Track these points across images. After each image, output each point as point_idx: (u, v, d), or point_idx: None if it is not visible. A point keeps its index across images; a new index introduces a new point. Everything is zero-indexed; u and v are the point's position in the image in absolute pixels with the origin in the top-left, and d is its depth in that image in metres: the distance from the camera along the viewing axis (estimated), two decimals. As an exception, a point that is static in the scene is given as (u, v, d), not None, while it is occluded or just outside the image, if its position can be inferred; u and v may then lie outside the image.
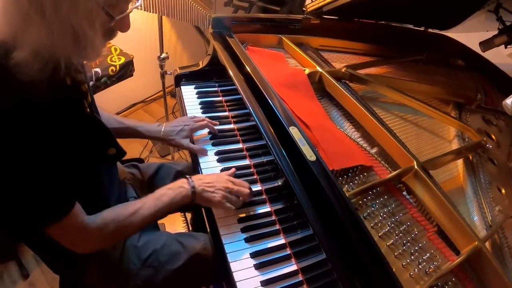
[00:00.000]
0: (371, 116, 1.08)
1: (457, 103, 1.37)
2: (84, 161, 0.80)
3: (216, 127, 1.19)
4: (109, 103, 2.34)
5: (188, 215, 1.62)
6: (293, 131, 0.92)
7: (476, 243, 0.85)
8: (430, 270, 0.83)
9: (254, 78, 1.09)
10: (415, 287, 0.79)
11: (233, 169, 1.02)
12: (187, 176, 0.94)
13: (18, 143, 0.64)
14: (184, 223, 1.60)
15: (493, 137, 1.27)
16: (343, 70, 1.27)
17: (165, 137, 1.15)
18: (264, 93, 1.03)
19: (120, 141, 0.95)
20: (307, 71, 1.23)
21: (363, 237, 0.76)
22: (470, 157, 1.16)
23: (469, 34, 1.64)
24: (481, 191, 1.08)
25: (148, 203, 0.87)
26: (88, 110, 0.83)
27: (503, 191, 1.12)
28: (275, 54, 1.34)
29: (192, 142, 1.16)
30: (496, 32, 1.39)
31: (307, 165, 0.85)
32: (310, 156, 0.86)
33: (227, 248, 0.89)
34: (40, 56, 0.61)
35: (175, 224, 1.70)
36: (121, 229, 0.83)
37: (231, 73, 1.15)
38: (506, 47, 1.34)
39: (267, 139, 0.96)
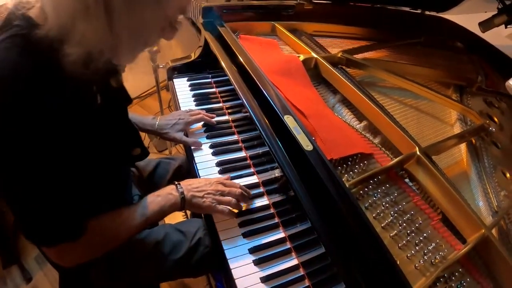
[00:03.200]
0: (370, 101, 1.04)
1: (458, 86, 1.33)
2: (109, 162, 0.79)
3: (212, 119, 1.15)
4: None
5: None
6: (288, 119, 0.88)
7: (483, 231, 0.82)
8: (436, 260, 0.79)
9: (246, 67, 1.05)
10: (421, 279, 0.76)
11: (226, 176, 0.99)
12: (176, 182, 0.90)
13: (48, 141, 0.63)
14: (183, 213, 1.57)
15: (496, 119, 1.24)
16: (339, 55, 1.22)
17: (159, 130, 1.12)
18: (257, 82, 0.99)
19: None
20: (301, 57, 1.18)
21: (365, 230, 0.72)
22: (473, 141, 1.13)
23: (467, 16, 1.60)
24: (486, 176, 1.04)
25: (138, 211, 0.84)
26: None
27: (508, 175, 1.09)
28: (268, 42, 1.29)
29: (187, 135, 1.13)
30: (494, 13, 1.35)
31: (303, 155, 0.81)
32: (306, 145, 0.82)
33: (225, 245, 0.86)
34: (94, 55, 0.59)
35: (175, 213, 1.67)
36: (109, 239, 0.81)
37: (222, 63, 1.11)
38: (506, 27, 1.29)
39: (261, 129, 0.92)
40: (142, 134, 2.42)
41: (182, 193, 0.87)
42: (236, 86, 1.03)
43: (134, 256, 0.96)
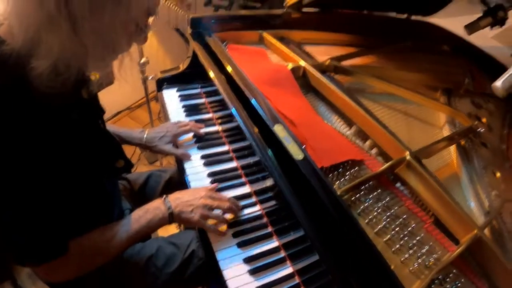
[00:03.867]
0: (359, 108, 1.04)
1: (446, 89, 1.35)
2: (92, 175, 0.78)
3: (200, 130, 1.15)
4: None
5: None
6: (278, 129, 0.88)
7: (476, 231, 0.83)
8: (430, 263, 0.80)
9: (234, 77, 1.05)
10: (416, 283, 0.76)
11: (214, 185, 0.99)
12: (164, 196, 0.89)
13: (28, 160, 0.62)
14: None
15: (484, 120, 1.25)
16: (327, 62, 1.23)
17: (148, 143, 1.12)
18: (246, 92, 1.00)
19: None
20: (290, 66, 1.19)
21: (358, 236, 0.73)
22: (462, 142, 1.14)
23: (453, 19, 1.62)
24: (476, 177, 1.05)
25: (124, 227, 0.83)
26: (102, 125, 0.83)
27: (498, 174, 1.10)
28: (257, 51, 1.30)
29: (177, 147, 1.12)
30: (479, 15, 1.37)
31: (294, 164, 0.81)
32: (297, 154, 0.82)
33: (219, 256, 0.85)
34: (62, 66, 0.59)
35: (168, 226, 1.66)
36: (98, 255, 0.81)
37: (211, 73, 1.11)
38: (491, 29, 1.32)
39: (251, 139, 0.92)
40: (132, 148, 2.41)
41: (170, 207, 0.87)
42: (225, 97, 1.04)
43: (128, 271, 0.95)
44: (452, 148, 1.13)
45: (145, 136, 1.11)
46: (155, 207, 0.87)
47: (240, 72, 1.07)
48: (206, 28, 1.30)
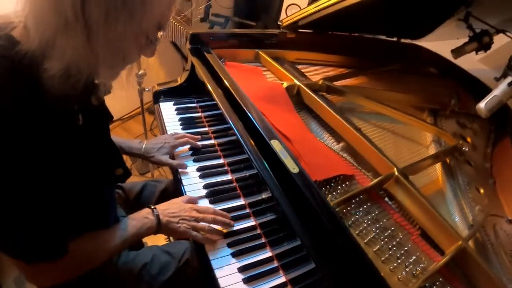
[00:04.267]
0: (350, 126, 1.09)
1: (432, 110, 1.41)
2: (92, 181, 0.80)
3: (197, 142, 1.19)
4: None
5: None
6: (274, 144, 0.92)
7: (460, 242, 0.87)
8: (417, 272, 0.84)
9: (233, 92, 1.10)
10: (403, 291, 0.80)
11: (195, 197, 1.02)
12: (152, 207, 0.93)
13: (31, 160, 0.63)
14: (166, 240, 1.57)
15: (468, 140, 1.31)
16: (320, 82, 1.29)
17: (146, 154, 1.15)
18: (244, 107, 1.04)
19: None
20: (285, 84, 1.24)
21: (351, 246, 0.77)
22: (448, 160, 1.19)
23: (440, 43, 1.70)
24: (461, 193, 1.10)
25: (116, 233, 0.85)
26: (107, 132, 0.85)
27: (482, 190, 1.15)
28: (252, 69, 1.36)
29: (173, 158, 1.16)
30: (466, 39, 1.45)
31: (290, 177, 0.85)
32: (293, 168, 0.86)
33: (214, 264, 0.88)
34: (73, 69, 0.61)
35: (157, 236, 1.66)
36: (87, 260, 0.82)
37: (210, 87, 1.15)
38: (477, 53, 1.39)
39: (248, 152, 0.96)
40: (124, 156, 2.41)
41: (157, 217, 0.90)
42: (223, 110, 1.08)
43: (122, 278, 0.96)
44: (438, 166, 1.18)
45: (143, 146, 1.14)
46: (143, 216, 0.90)
47: (238, 87, 1.12)
48: (205, 44, 1.35)
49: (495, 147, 1.35)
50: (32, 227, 0.67)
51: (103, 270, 0.90)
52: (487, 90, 1.52)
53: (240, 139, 1.00)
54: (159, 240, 1.61)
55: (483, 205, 1.09)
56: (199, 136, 1.21)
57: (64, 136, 0.68)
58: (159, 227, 0.90)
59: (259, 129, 0.97)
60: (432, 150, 1.23)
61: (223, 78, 1.15)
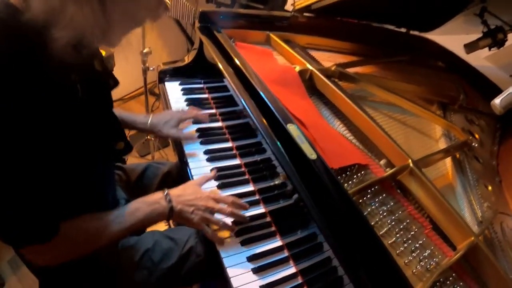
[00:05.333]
0: (365, 114, 1.06)
1: (441, 103, 1.39)
2: (90, 156, 0.74)
3: (203, 125, 1.14)
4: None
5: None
6: (291, 128, 0.89)
7: (473, 238, 0.86)
8: (431, 266, 0.83)
9: (245, 72, 1.05)
10: (419, 284, 0.78)
11: (210, 175, 0.96)
12: (165, 191, 0.86)
13: (29, 131, 0.59)
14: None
15: (476, 136, 1.30)
16: (333, 68, 1.25)
17: (152, 128, 1.10)
18: (258, 88, 0.99)
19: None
20: (297, 68, 1.20)
21: (370, 236, 0.74)
22: (457, 155, 1.18)
23: (449, 37, 1.68)
24: (470, 188, 1.09)
25: (120, 217, 0.80)
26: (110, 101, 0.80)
27: (489, 188, 1.14)
28: (263, 51, 1.31)
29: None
30: (475, 35, 1.43)
31: (308, 164, 0.81)
32: (310, 154, 0.83)
33: (223, 253, 0.84)
34: (83, 37, 0.57)
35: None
36: (90, 242, 0.77)
37: (220, 66, 1.10)
38: (490, 50, 1.37)
39: (262, 134, 0.92)
40: None
41: (170, 202, 0.84)
42: (236, 91, 1.03)
43: (123, 264, 0.92)
44: (447, 160, 1.17)
45: (149, 120, 1.10)
46: (154, 201, 0.84)
47: (250, 68, 1.07)
48: (215, 23, 1.29)
49: (501, 146, 1.35)
50: (23, 206, 0.63)
51: (101, 255, 0.86)
52: (494, 88, 1.54)
53: (255, 121, 0.95)
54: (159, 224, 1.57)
55: (491, 202, 1.09)
56: (206, 114, 1.16)
57: (63, 107, 0.64)
58: (171, 214, 0.84)
59: (275, 112, 0.92)
60: (442, 144, 1.21)
61: (234, 57, 1.10)
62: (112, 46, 0.69)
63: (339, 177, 0.92)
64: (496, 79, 1.58)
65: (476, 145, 1.23)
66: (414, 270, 0.81)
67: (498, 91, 1.50)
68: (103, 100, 0.81)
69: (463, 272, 0.85)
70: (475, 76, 1.56)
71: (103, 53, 1.81)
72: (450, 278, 0.82)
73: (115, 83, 0.91)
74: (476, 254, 0.86)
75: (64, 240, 0.71)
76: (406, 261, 0.82)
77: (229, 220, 0.88)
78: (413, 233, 0.87)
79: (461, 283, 0.83)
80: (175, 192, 0.87)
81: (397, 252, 0.83)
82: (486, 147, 1.30)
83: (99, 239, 0.78)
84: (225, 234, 0.88)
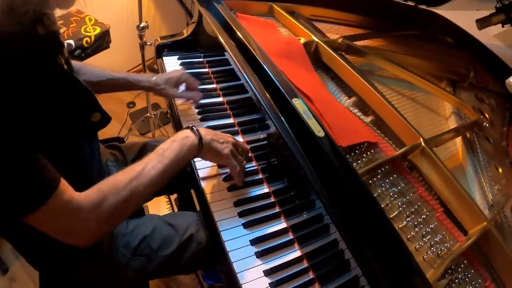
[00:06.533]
0: (375, 90, 1.00)
1: (450, 80, 1.33)
2: (65, 129, 0.67)
3: (203, 101, 1.09)
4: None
5: (173, 196, 1.50)
6: (297, 103, 0.82)
7: (485, 223, 0.82)
8: (443, 252, 0.79)
9: (248, 45, 0.98)
10: (430, 271, 0.75)
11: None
12: (189, 126, 0.82)
13: None
14: (168, 204, 1.49)
15: (487, 115, 1.25)
16: (339, 41, 1.18)
17: (155, 86, 1.04)
18: (261, 61, 0.92)
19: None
20: (302, 40, 1.13)
21: (381, 219, 0.69)
22: (468, 135, 1.13)
23: (458, 12, 1.60)
24: (481, 170, 1.05)
25: (150, 162, 0.72)
26: (66, 67, 0.69)
27: (500, 170, 1.10)
28: (266, 22, 1.23)
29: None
30: (486, 12, 1.36)
31: (315, 141, 0.76)
32: (318, 131, 0.77)
33: (225, 237, 0.80)
34: (17, 2, 0.49)
35: (159, 205, 1.58)
36: (123, 201, 0.66)
37: (221, 39, 1.03)
38: (503, 26, 1.30)
39: (268, 111, 0.85)
40: (123, 118, 2.29)
41: (199, 134, 0.79)
42: (238, 65, 0.96)
43: (119, 251, 0.86)
44: (458, 140, 1.12)
45: (153, 79, 1.04)
46: (182, 137, 0.78)
47: (253, 40, 1.00)
48: (214, -7, 1.21)
49: (511, 127, 1.29)
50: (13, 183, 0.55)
51: (98, 242, 0.76)
52: (504, 66, 1.47)
53: (259, 97, 0.89)
54: (160, 199, 1.53)
55: (501, 184, 1.04)
56: (199, 95, 1.09)
57: (14, 81, 0.55)
58: (201, 146, 0.79)
59: (279, 86, 0.86)
60: (452, 122, 1.16)
61: (236, 30, 1.02)
62: (61, 8, 0.61)
63: (347, 156, 0.86)
64: (506, 58, 1.52)
65: (487, 125, 1.17)
66: (425, 256, 0.77)
67: (508, 69, 1.45)
68: (54, 67, 0.68)
69: (473, 258, 0.81)
70: (485, 53, 1.49)
71: (98, 30, 1.73)
72: (462, 265, 0.79)
73: (105, 119, 0.80)
74: (488, 240, 0.82)
75: (96, 206, 0.63)
76: (417, 247, 0.78)
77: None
78: (424, 216, 0.82)
79: (472, 271, 0.79)
80: (200, 128, 0.83)
81: (408, 236, 0.78)
82: (497, 127, 1.25)
83: (133, 194, 0.68)
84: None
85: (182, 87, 1.07)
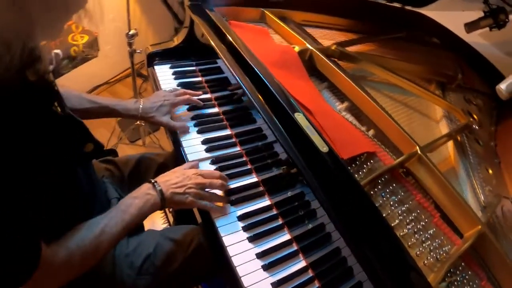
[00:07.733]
0: (370, 98, 1.02)
1: (439, 83, 1.36)
2: (58, 167, 0.66)
3: (198, 112, 1.08)
4: (69, 85, 2.09)
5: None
6: (299, 117, 0.83)
7: (480, 227, 0.85)
8: (441, 256, 0.81)
9: (244, 53, 0.97)
10: (430, 275, 0.77)
11: (195, 162, 0.94)
12: (152, 180, 0.82)
13: None
14: (163, 213, 1.48)
15: (475, 117, 1.29)
16: (333, 47, 1.19)
17: (144, 114, 1.02)
18: (260, 73, 0.92)
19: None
20: (297, 48, 1.13)
21: (386, 231, 0.72)
22: (459, 138, 1.16)
23: (444, 13, 1.63)
24: (472, 172, 1.08)
25: (113, 219, 0.74)
26: (59, 109, 0.68)
27: (490, 171, 1.14)
28: (259, 30, 1.23)
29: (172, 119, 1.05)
30: (473, 12, 1.39)
31: (320, 157, 0.76)
32: (322, 147, 0.78)
33: (231, 252, 0.80)
34: (8, 43, 0.47)
35: (154, 216, 1.57)
36: (89, 255, 0.71)
37: (217, 50, 1.02)
38: (490, 30, 1.34)
39: (265, 120, 0.85)
40: (111, 125, 2.24)
41: (160, 191, 0.80)
42: (233, 73, 0.95)
43: (123, 272, 0.86)
44: (449, 143, 1.15)
45: (141, 106, 1.02)
46: (144, 193, 0.80)
47: (249, 49, 1.00)
48: (205, 0, 1.19)
49: (498, 126, 1.34)
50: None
51: (99, 266, 0.79)
52: (490, 66, 1.51)
53: (257, 106, 0.88)
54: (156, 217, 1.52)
55: (492, 186, 1.08)
56: (200, 92, 1.10)
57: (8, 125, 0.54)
58: (164, 202, 0.80)
59: (281, 101, 0.86)
60: (443, 126, 1.19)
61: (232, 41, 1.01)
62: (48, 40, 0.60)
63: (348, 167, 0.88)
64: (489, 57, 1.56)
65: (476, 127, 1.21)
66: (425, 261, 0.80)
67: (493, 69, 1.50)
68: (48, 110, 0.67)
69: (470, 260, 0.85)
70: (471, 53, 1.53)
71: (85, 38, 1.69)
72: (460, 268, 0.82)
73: (98, 149, 0.81)
74: (483, 242, 0.85)
75: (60, 261, 0.65)
76: (417, 253, 0.80)
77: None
78: (423, 223, 0.85)
79: (469, 272, 0.82)
80: (161, 179, 0.84)
81: (409, 244, 0.81)
82: (485, 127, 1.29)
83: (97, 249, 0.71)
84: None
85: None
